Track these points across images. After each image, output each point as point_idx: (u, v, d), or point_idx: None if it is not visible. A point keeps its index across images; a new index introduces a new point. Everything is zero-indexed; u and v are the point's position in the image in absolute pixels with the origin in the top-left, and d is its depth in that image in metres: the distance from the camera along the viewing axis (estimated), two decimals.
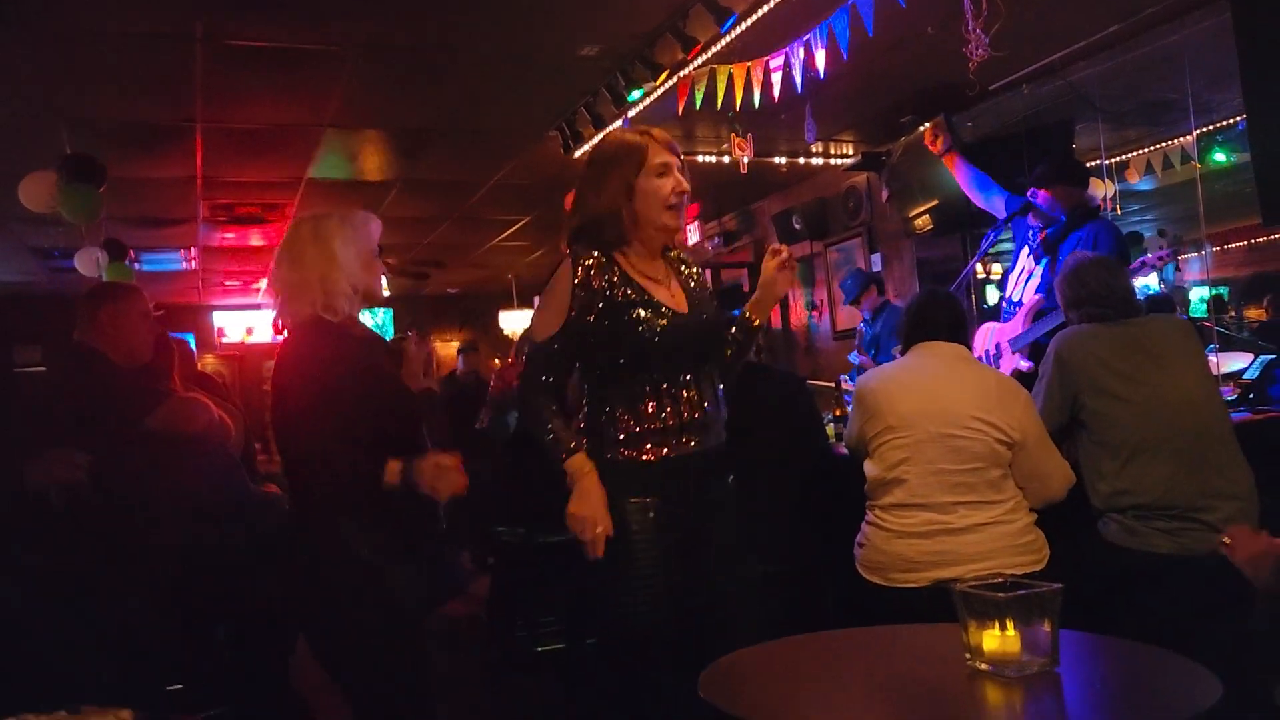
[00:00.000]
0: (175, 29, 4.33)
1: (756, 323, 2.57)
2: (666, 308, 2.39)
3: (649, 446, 2.33)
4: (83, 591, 2.77)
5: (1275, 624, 2.02)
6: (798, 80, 4.41)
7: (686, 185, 2.43)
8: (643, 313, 2.35)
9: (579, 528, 2.28)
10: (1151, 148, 6.43)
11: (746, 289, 8.16)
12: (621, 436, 2.34)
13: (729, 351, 2.56)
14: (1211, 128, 5.79)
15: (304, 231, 2.44)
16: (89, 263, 6.25)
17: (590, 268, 2.36)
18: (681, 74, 4.79)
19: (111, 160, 5.58)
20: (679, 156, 2.45)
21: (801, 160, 6.94)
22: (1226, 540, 2.11)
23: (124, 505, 2.85)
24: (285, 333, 2.43)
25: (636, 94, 5.08)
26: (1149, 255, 3.73)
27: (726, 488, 2.47)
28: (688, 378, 2.38)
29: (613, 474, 2.33)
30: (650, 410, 2.34)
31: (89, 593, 2.78)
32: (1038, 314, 4.02)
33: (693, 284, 2.52)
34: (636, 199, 2.38)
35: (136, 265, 8.81)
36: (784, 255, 2.50)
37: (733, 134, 5.64)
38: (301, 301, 2.37)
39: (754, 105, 4.72)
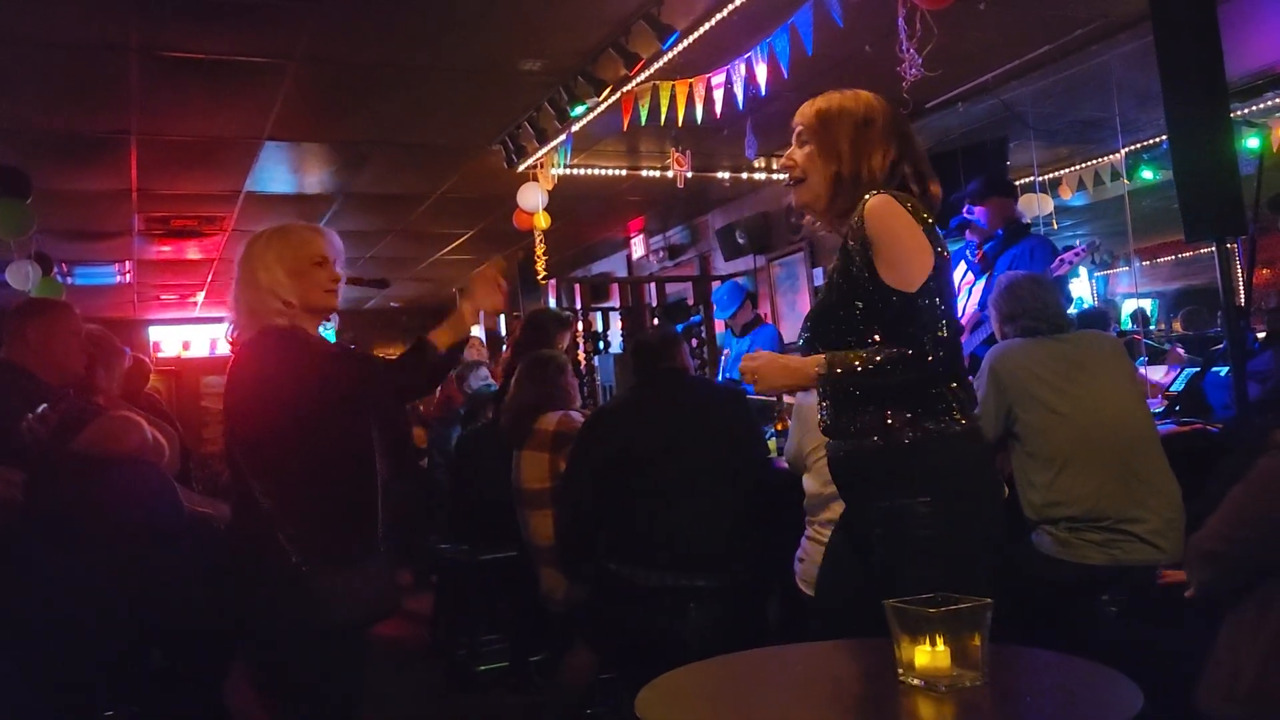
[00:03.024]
0: (110, 39, 4.26)
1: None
2: None
3: None
4: (9, 617, 2.70)
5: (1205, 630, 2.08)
6: (739, 97, 4.46)
7: (793, 149, 2.13)
8: None
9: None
10: (1083, 164, 6.58)
11: (691, 302, 8.19)
12: None
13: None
14: (1138, 146, 5.95)
15: (241, 251, 2.44)
16: (20, 277, 6.11)
17: None
18: (624, 90, 4.81)
19: (43, 172, 5.46)
20: (805, 118, 2.12)
21: (745, 175, 7.00)
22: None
23: (51, 527, 2.78)
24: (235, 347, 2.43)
25: (580, 109, 5.10)
26: (1066, 254, 3.82)
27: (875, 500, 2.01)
28: None
29: None
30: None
31: (16, 618, 2.71)
32: (974, 326, 4.11)
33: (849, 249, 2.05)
34: None
35: (68, 279, 8.63)
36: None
37: (672, 150, 5.68)
38: (242, 318, 2.39)
39: (696, 121, 4.76)
